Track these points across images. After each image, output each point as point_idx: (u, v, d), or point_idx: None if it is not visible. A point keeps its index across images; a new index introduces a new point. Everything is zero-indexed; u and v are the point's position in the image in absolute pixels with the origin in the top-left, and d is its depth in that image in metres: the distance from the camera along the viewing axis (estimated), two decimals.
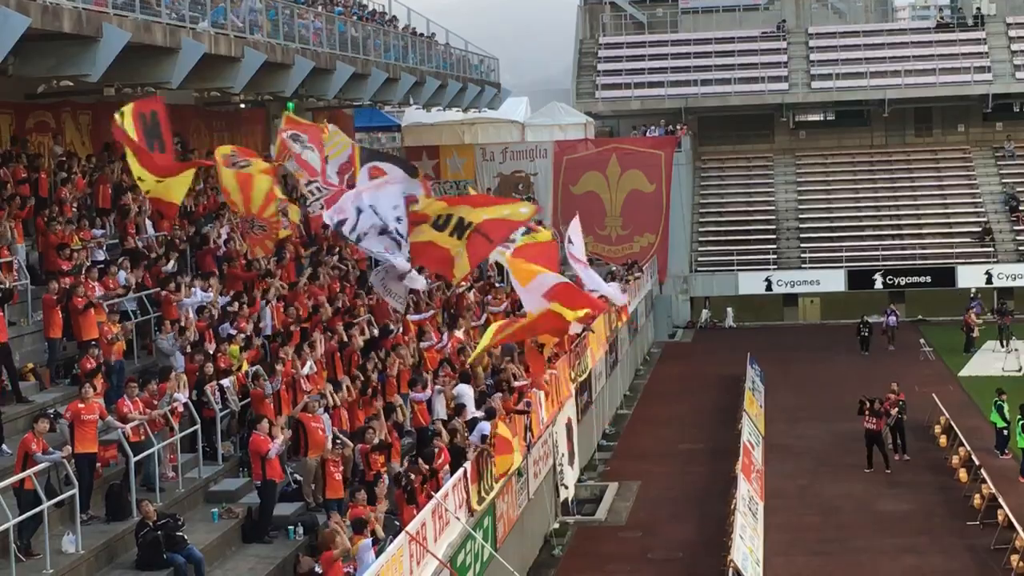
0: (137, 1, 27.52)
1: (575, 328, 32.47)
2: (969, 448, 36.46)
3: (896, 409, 38.08)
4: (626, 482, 36.79)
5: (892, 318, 56.80)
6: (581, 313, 28.42)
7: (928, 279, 63.66)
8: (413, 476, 22.94)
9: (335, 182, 30.91)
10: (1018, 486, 34.60)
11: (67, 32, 25.18)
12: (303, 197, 32.86)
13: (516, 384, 30.09)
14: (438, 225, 27.80)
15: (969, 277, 62.87)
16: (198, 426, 23.48)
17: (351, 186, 29.83)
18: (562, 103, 70.49)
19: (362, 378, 27.17)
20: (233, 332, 26.97)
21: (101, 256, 28.27)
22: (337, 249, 36.35)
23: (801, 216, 69.12)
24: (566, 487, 34.21)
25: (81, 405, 20.49)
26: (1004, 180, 69.20)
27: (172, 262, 29.30)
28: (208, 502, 23.02)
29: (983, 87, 70.05)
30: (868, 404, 37.27)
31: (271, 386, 24.49)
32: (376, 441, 23.93)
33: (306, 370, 26.09)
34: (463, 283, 36.01)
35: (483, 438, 25.84)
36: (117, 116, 24.89)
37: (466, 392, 28.60)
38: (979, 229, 65.58)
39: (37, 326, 25.19)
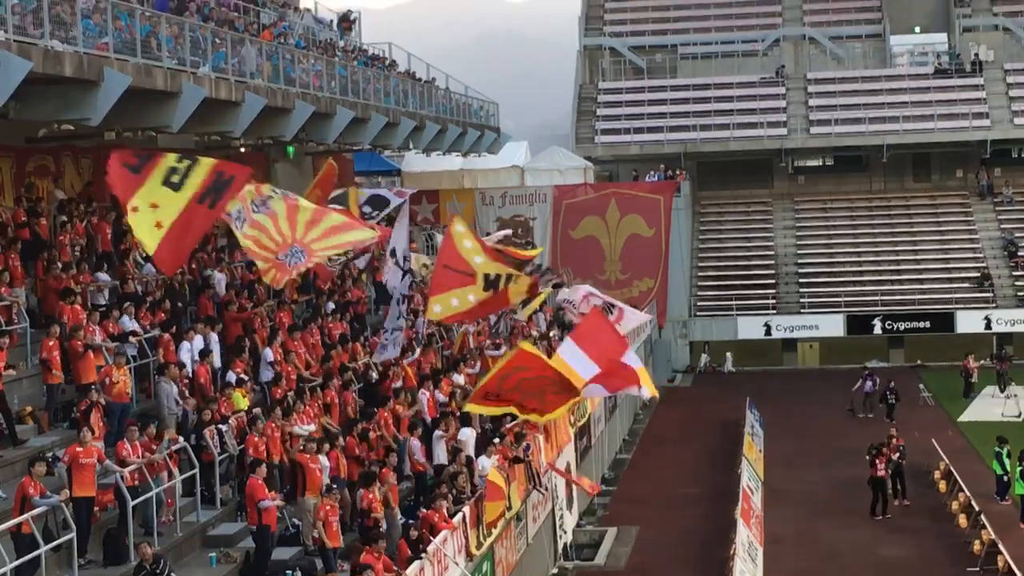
0: (138, 45, 27.63)
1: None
2: (969, 494, 36.40)
3: (896, 454, 38.04)
4: (625, 527, 36.68)
5: (869, 383, 51.84)
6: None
7: (927, 324, 63.64)
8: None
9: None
10: (1018, 532, 34.51)
11: (68, 76, 25.24)
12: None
13: (508, 425, 30.08)
14: (493, 284, 27.85)
15: (968, 322, 62.87)
16: (196, 470, 23.46)
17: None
18: (562, 148, 70.74)
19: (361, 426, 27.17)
20: (237, 374, 26.98)
21: (102, 300, 28.26)
22: (335, 296, 36.40)
23: (800, 261, 69.18)
24: (565, 532, 34.13)
25: (79, 449, 20.45)
26: (1003, 226, 69.31)
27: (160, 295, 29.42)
28: (206, 546, 22.96)
29: (981, 133, 70.21)
30: (878, 451, 37.31)
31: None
32: (379, 487, 23.89)
33: (307, 428, 25.95)
34: (467, 324, 36.24)
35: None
36: (172, 158, 23.74)
37: (469, 436, 28.61)
38: (978, 274, 65.63)
39: (36, 369, 25.15)
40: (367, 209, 35.70)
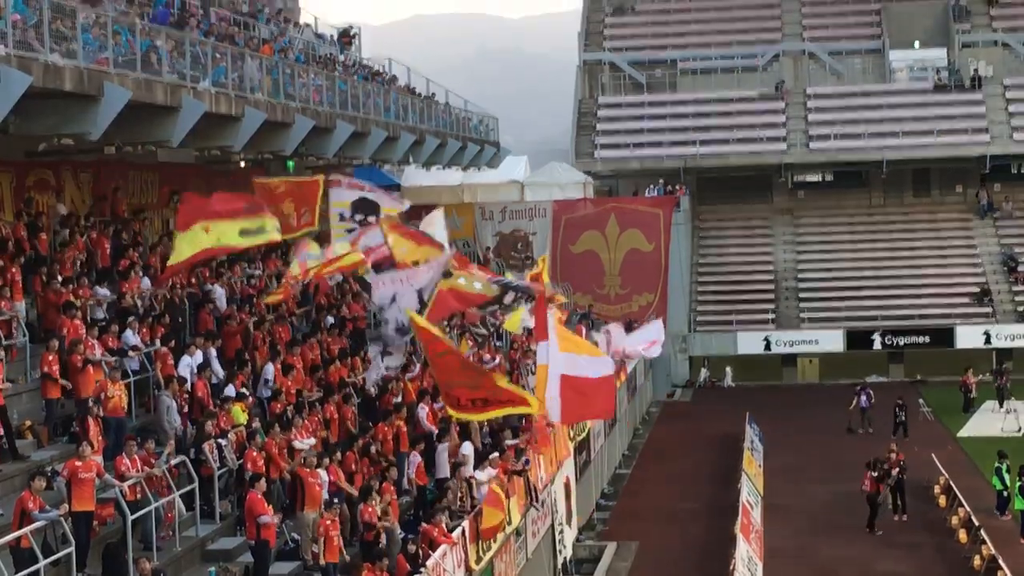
0: (138, 60, 27.67)
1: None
2: (969, 509, 36.37)
3: (896, 469, 38.03)
4: (625, 542, 36.66)
5: (864, 398, 51.81)
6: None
7: (927, 339, 63.62)
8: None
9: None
10: (1018, 547, 34.48)
11: (68, 91, 25.27)
12: None
13: (509, 443, 30.02)
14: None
15: (968, 337, 62.82)
16: (195, 484, 23.43)
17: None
18: (561, 163, 70.72)
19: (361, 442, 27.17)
20: (237, 389, 26.96)
21: (101, 314, 28.23)
22: (333, 311, 36.38)
23: (800, 276, 69.19)
24: (564, 547, 34.08)
25: (78, 463, 20.41)
26: (1002, 241, 69.32)
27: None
28: (205, 561, 22.92)
29: (981, 148, 70.23)
30: (878, 468, 37.35)
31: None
32: (378, 501, 23.86)
33: (308, 442, 25.93)
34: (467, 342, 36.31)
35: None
36: (273, 223, 25.06)
37: (468, 451, 28.59)
38: (977, 290, 65.60)
39: (35, 383, 25.12)
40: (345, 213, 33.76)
